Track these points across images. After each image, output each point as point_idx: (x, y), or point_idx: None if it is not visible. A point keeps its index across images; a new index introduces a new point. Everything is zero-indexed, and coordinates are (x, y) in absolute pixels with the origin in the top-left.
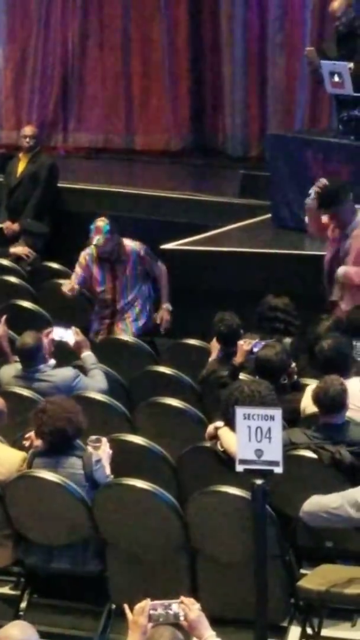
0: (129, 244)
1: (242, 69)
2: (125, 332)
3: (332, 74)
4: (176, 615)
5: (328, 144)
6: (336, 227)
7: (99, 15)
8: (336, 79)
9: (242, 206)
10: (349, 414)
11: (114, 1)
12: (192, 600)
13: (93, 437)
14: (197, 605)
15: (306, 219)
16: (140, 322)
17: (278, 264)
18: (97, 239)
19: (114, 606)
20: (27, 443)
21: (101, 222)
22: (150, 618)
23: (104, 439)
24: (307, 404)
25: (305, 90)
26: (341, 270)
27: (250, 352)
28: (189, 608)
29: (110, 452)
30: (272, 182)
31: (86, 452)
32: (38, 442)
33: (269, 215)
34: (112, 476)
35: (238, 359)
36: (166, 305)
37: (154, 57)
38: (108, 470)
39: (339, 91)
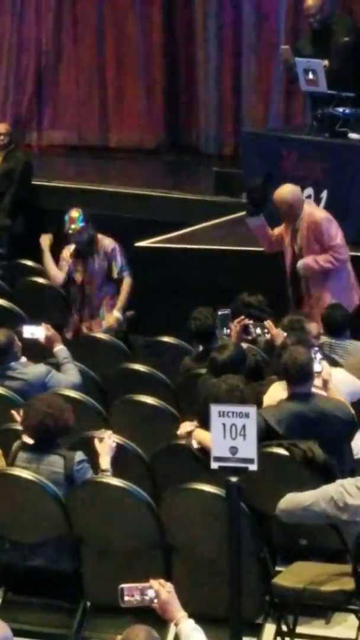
0: (103, 239)
1: (216, 66)
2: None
3: (306, 71)
4: (151, 599)
5: (302, 141)
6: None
7: (72, 12)
8: (310, 76)
9: (216, 204)
10: None
11: None
12: (162, 581)
13: (102, 430)
14: (168, 587)
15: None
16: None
17: (252, 261)
18: (72, 227)
19: (88, 603)
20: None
21: (75, 213)
22: (125, 602)
23: (109, 432)
24: (273, 398)
25: (279, 88)
26: (299, 264)
27: (245, 332)
28: (159, 590)
29: (114, 445)
30: (246, 179)
31: (69, 452)
32: None
33: (243, 213)
34: (110, 470)
35: (232, 339)
36: (116, 313)
37: (128, 55)
38: (107, 464)
39: (313, 89)
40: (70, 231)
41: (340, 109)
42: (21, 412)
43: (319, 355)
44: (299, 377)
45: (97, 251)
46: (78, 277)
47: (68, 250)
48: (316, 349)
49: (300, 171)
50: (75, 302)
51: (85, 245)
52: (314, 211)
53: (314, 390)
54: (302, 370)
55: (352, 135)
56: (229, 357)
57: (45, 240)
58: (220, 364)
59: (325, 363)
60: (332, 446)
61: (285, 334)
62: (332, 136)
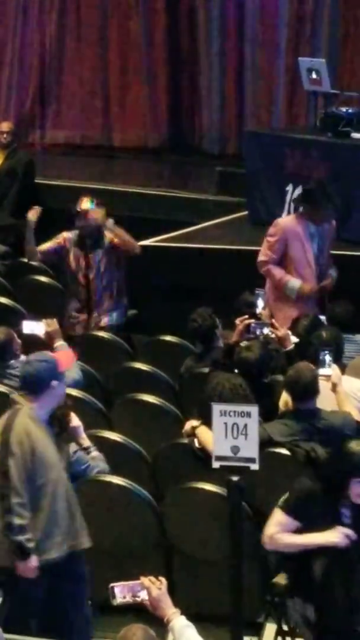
0: (107, 233)
1: (219, 66)
2: (100, 323)
3: (309, 70)
4: (143, 597)
5: (305, 141)
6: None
7: (76, 12)
8: (314, 75)
9: (219, 203)
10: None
11: None
12: (152, 578)
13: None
14: (159, 584)
15: None
16: (115, 315)
17: (254, 260)
18: (82, 207)
19: (89, 603)
20: None
21: (87, 200)
22: (117, 601)
23: (71, 413)
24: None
25: (282, 87)
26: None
27: (247, 331)
28: (150, 588)
29: (80, 424)
30: (249, 179)
31: (64, 446)
32: None
33: (245, 213)
34: (92, 446)
35: (234, 337)
36: None
37: (131, 54)
38: (87, 440)
39: (317, 88)
40: (83, 207)
41: (344, 109)
42: None
43: (328, 358)
44: (304, 395)
45: (102, 246)
46: (82, 271)
47: (64, 238)
48: (326, 351)
49: (303, 171)
50: (78, 297)
51: (90, 233)
52: None
53: (323, 392)
54: (306, 388)
55: (355, 135)
56: (260, 355)
57: (34, 215)
58: (253, 363)
59: (335, 366)
60: None
61: (290, 333)
62: (336, 136)
